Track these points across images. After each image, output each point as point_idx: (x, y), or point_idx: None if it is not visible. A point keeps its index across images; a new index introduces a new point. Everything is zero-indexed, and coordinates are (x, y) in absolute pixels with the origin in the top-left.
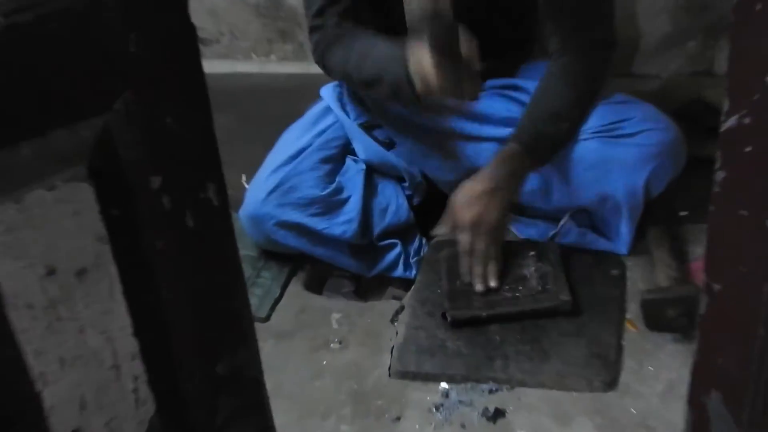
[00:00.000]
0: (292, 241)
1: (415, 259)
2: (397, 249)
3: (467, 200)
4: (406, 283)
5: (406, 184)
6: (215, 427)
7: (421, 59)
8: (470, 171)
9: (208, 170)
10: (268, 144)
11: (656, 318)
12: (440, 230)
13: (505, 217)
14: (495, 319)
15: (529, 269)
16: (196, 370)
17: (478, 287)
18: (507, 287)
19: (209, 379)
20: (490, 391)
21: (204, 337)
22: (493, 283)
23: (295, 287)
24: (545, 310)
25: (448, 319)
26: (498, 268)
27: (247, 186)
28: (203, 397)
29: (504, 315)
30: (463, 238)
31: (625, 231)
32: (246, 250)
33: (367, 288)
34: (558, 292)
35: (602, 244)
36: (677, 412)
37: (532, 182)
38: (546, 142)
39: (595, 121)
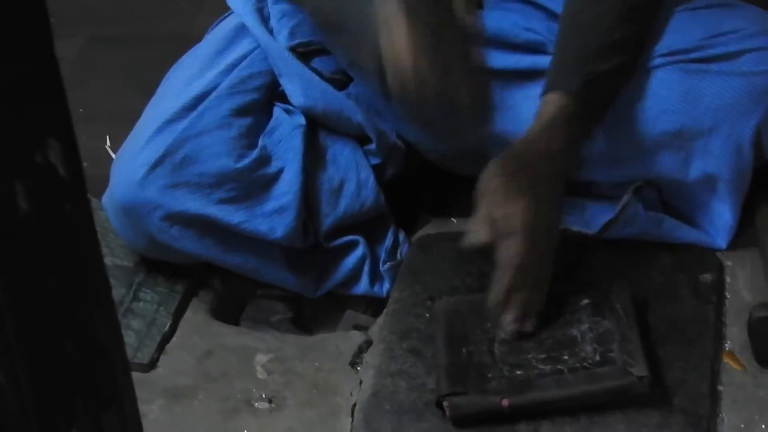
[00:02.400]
0: (189, 243)
1: (388, 265)
2: (359, 251)
3: (508, 187)
4: (374, 305)
5: (372, 147)
6: None
7: (389, 24)
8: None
9: (48, 119)
10: (145, 87)
11: None
12: (475, 237)
13: (560, 215)
14: (522, 412)
15: (581, 326)
16: None
17: (509, 328)
18: (544, 356)
19: None
20: None
21: (44, 395)
22: (529, 327)
23: (196, 316)
24: (607, 393)
25: (446, 412)
26: (541, 306)
27: (113, 155)
28: None
29: (538, 404)
30: (510, 249)
31: (722, 213)
32: (115, 257)
33: (312, 314)
34: (628, 362)
35: (687, 233)
36: None
37: None
38: (602, 86)
39: (671, 38)
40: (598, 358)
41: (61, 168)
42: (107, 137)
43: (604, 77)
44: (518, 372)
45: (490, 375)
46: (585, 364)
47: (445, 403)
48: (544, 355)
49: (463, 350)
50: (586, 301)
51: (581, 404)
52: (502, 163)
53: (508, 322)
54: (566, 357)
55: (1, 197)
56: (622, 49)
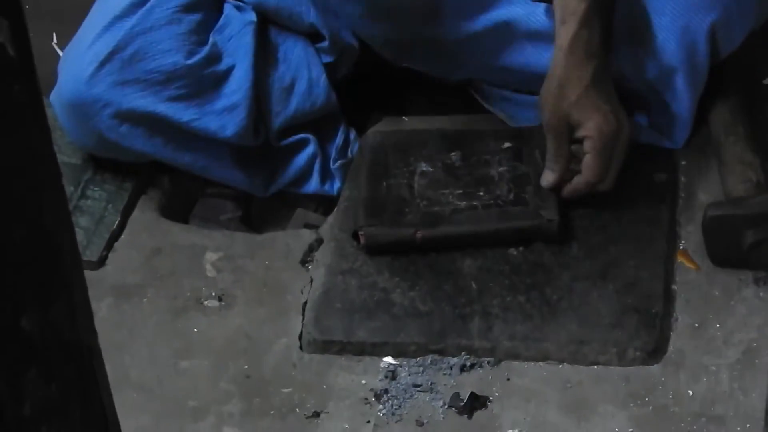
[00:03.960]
0: (139, 142)
1: (339, 163)
2: (310, 149)
3: (582, 92)
4: (325, 203)
5: (325, 44)
6: (22, 418)
7: None
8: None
9: None
10: None
11: (728, 246)
12: (551, 175)
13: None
14: (434, 244)
15: (499, 168)
16: None
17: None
18: (460, 192)
19: (10, 340)
20: (463, 368)
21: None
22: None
23: (145, 214)
24: (516, 232)
25: (360, 240)
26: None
27: (61, 53)
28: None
29: (450, 236)
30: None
31: (679, 109)
32: (63, 155)
33: (262, 213)
34: (539, 205)
35: (643, 132)
36: (760, 394)
37: (534, 39)
38: None
39: None
40: (511, 197)
41: (10, 48)
42: (54, 34)
43: None
44: (435, 207)
45: (407, 209)
46: (498, 201)
47: (360, 233)
48: (460, 191)
49: (384, 183)
50: (507, 145)
51: (492, 240)
52: (554, 98)
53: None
54: (481, 194)
55: None
56: None
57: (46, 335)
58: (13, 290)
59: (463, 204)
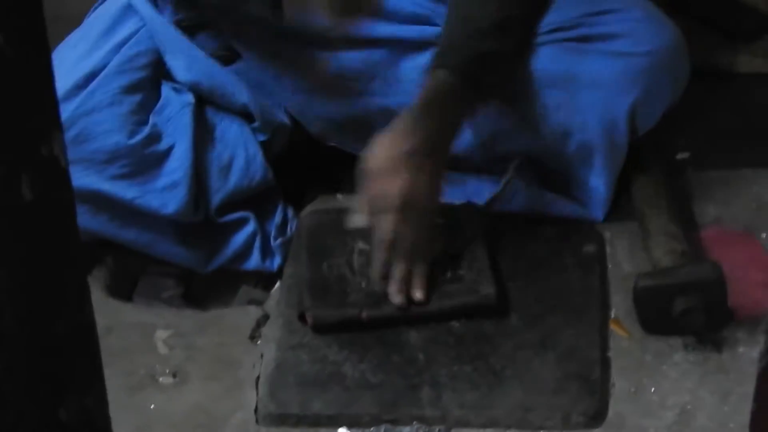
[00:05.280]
0: (84, 220)
1: (279, 241)
2: (250, 227)
3: (390, 164)
4: (264, 279)
5: (257, 125)
6: None
7: None
8: (359, 104)
9: (51, 110)
10: None
11: (658, 314)
12: (358, 220)
13: (440, 189)
14: (378, 323)
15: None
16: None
17: (396, 299)
18: None
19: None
20: None
21: (42, 368)
22: (419, 295)
23: (93, 294)
24: (456, 310)
25: (308, 322)
26: (426, 272)
27: None
28: None
29: (393, 318)
30: (385, 224)
31: (598, 186)
32: None
33: (204, 289)
34: (477, 281)
35: (566, 207)
36: None
37: None
38: (489, 66)
39: (552, 15)
40: (449, 275)
41: (61, 159)
42: None
43: (492, 57)
44: (376, 286)
45: (348, 288)
46: (438, 283)
47: (307, 314)
48: None
49: (324, 264)
50: (440, 221)
51: (435, 318)
52: (383, 142)
53: (394, 294)
54: None
55: (9, 191)
56: (509, 29)
57: (82, 425)
58: (54, 381)
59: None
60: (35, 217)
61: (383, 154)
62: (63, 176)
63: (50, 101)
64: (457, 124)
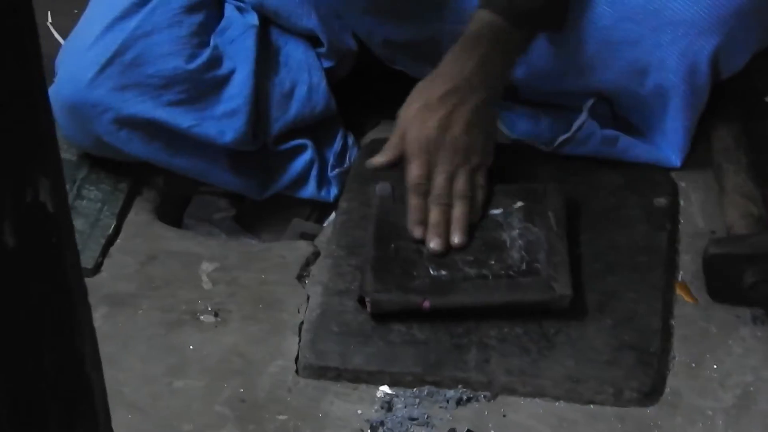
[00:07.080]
0: (137, 146)
1: (337, 171)
2: (308, 155)
3: (422, 110)
4: (321, 210)
5: (323, 49)
6: None
7: None
8: (429, 29)
9: (39, 155)
10: None
11: (728, 284)
12: (380, 159)
13: (486, 133)
14: (443, 313)
15: (510, 231)
16: None
17: (433, 244)
18: (470, 259)
19: None
20: (459, 401)
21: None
22: (456, 240)
23: (140, 216)
24: (527, 305)
25: (367, 307)
26: (474, 213)
27: (56, 34)
28: None
29: (458, 307)
30: (413, 170)
31: (676, 128)
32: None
33: (255, 214)
34: (552, 276)
35: (642, 151)
36: None
37: (530, 55)
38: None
39: None
40: (524, 267)
41: (49, 205)
42: (48, 13)
43: None
44: (443, 272)
45: (415, 273)
46: (510, 272)
47: (367, 299)
48: (471, 258)
49: (392, 245)
50: (519, 204)
51: (502, 312)
52: (421, 87)
53: (429, 239)
54: (492, 262)
55: None
56: None
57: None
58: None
59: (473, 272)
60: (17, 264)
61: (420, 98)
62: (51, 221)
63: (38, 145)
64: (504, 64)
